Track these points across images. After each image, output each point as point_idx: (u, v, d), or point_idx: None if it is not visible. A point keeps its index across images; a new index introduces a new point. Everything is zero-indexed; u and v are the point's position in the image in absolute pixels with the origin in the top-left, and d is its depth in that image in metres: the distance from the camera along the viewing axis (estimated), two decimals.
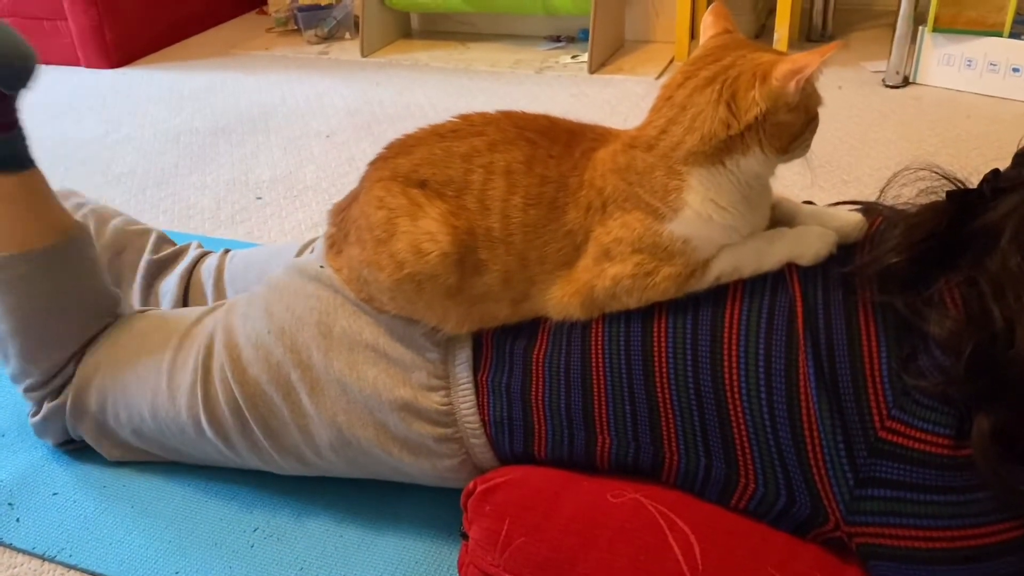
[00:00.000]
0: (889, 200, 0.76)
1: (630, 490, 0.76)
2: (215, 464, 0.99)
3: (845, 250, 0.74)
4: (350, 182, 0.88)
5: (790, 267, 0.75)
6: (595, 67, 2.47)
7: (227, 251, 1.23)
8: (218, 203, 1.79)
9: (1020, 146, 0.73)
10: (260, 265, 1.15)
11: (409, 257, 0.76)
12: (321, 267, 0.87)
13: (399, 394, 0.83)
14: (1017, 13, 2.02)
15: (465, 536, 0.81)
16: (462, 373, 0.82)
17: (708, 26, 0.77)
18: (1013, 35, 2.04)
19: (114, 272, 1.19)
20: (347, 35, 2.95)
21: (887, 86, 2.22)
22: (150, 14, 2.85)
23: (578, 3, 2.46)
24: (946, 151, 1.83)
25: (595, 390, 0.78)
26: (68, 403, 1.00)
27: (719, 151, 0.70)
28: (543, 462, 0.82)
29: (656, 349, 0.75)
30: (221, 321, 0.93)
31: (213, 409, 0.91)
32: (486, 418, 0.82)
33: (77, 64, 2.77)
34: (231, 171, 1.94)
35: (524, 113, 0.81)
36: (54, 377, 1.01)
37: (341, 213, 0.87)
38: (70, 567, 0.92)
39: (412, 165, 0.79)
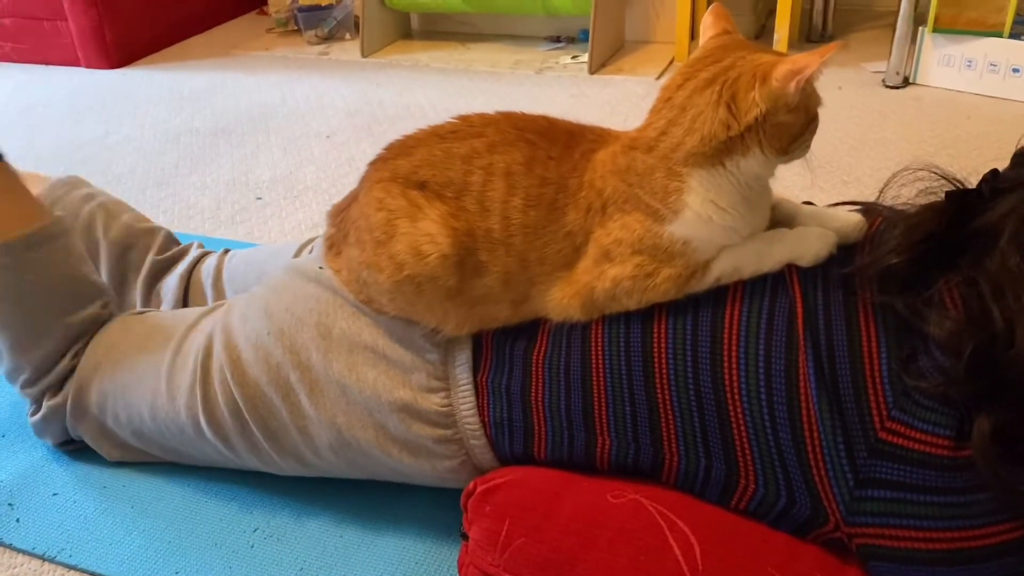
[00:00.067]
0: (888, 200, 0.76)
1: (630, 491, 0.76)
2: (215, 465, 0.99)
3: (845, 251, 0.74)
4: (350, 182, 0.88)
5: (790, 268, 0.75)
6: (595, 67, 2.47)
7: (226, 251, 1.23)
8: (218, 203, 1.79)
9: (1019, 146, 0.73)
10: (259, 265, 1.15)
11: (409, 259, 0.76)
12: (320, 268, 0.87)
13: (399, 395, 0.83)
14: (1017, 14, 2.02)
15: (465, 536, 0.81)
16: (462, 374, 0.82)
17: (708, 27, 0.77)
18: (1013, 35, 2.03)
19: (120, 270, 1.19)
20: (347, 35, 2.95)
21: (887, 87, 2.22)
22: (150, 14, 2.85)
23: (578, 3, 2.46)
24: (946, 151, 1.83)
25: (595, 391, 0.78)
26: (68, 403, 1.00)
27: (719, 152, 0.70)
28: (543, 463, 0.82)
29: (656, 350, 0.76)
30: (220, 322, 0.93)
31: (212, 410, 0.91)
32: (486, 419, 0.82)
33: (77, 64, 2.77)
34: (231, 171, 1.94)
35: (523, 114, 0.81)
36: (48, 372, 1.00)
37: (340, 214, 0.87)
38: (70, 567, 0.92)
39: (412, 166, 0.79)
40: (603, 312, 0.78)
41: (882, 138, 1.92)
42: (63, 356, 1.01)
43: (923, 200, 0.73)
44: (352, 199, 0.86)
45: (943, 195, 0.71)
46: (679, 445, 0.76)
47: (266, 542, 0.93)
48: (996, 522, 0.63)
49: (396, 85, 2.46)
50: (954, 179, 0.74)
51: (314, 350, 0.85)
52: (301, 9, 2.93)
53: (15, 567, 0.93)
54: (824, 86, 0.69)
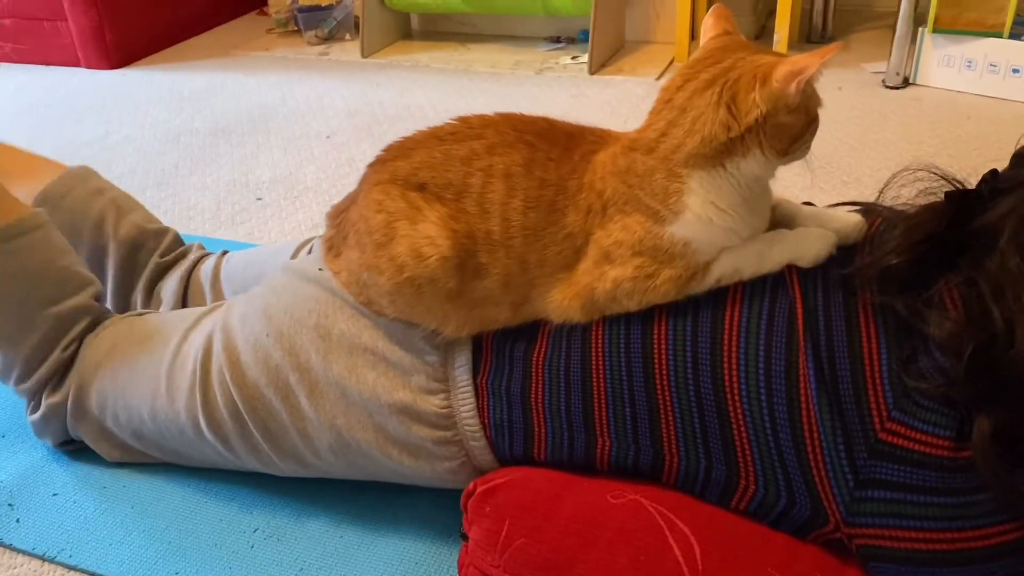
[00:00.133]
0: (888, 201, 0.76)
1: (630, 491, 0.76)
2: (215, 466, 0.99)
3: (845, 251, 0.74)
4: (350, 183, 0.88)
5: (790, 269, 0.75)
6: (595, 68, 2.48)
7: (225, 252, 1.23)
8: (218, 204, 1.79)
9: (1019, 147, 0.73)
10: (257, 266, 1.15)
11: (409, 261, 0.76)
12: (320, 270, 0.87)
13: (398, 397, 0.83)
14: (1017, 14, 2.02)
15: (465, 537, 0.81)
16: (461, 376, 0.82)
17: (708, 28, 0.77)
18: (1013, 36, 2.03)
19: (127, 269, 1.19)
20: (347, 36, 2.95)
21: (887, 87, 2.22)
22: (150, 15, 2.85)
23: (578, 4, 2.47)
24: (946, 152, 1.83)
25: (595, 392, 0.78)
26: (68, 403, 1.00)
27: (719, 153, 0.70)
28: (543, 464, 0.82)
29: (656, 351, 0.76)
30: (220, 323, 0.93)
31: (212, 412, 0.91)
32: (486, 421, 0.82)
33: (77, 65, 2.77)
34: (231, 172, 1.94)
35: (523, 115, 0.81)
36: (39, 365, 1.00)
37: (340, 215, 0.87)
38: (70, 568, 0.92)
39: (411, 168, 0.79)
40: (603, 313, 0.78)
41: (882, 139, 1.92)
42: (53, 348, 1.00)
43: (923, 200, 0.73)
44: (351, 200, 0.86)
45: (943, 195, 0.71)
46: (679, 446, 0.76)
47: (266, 542, 0.93)
48: (996, 523, 0.63)
49: (396, 85, 2.46)
50: (954, 179, 0.74)
51: (313, 352, 0.85)
52: (301, 9, 2.93)
53: (15, 567, 0.93)
54: (824, 87, 0.69)
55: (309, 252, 1.10)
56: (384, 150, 0.84)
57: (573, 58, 2.61)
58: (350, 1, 2.93)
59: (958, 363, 0.63)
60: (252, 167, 1.96)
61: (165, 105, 2.40)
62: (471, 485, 0.82)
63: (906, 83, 2.21)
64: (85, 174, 1.21)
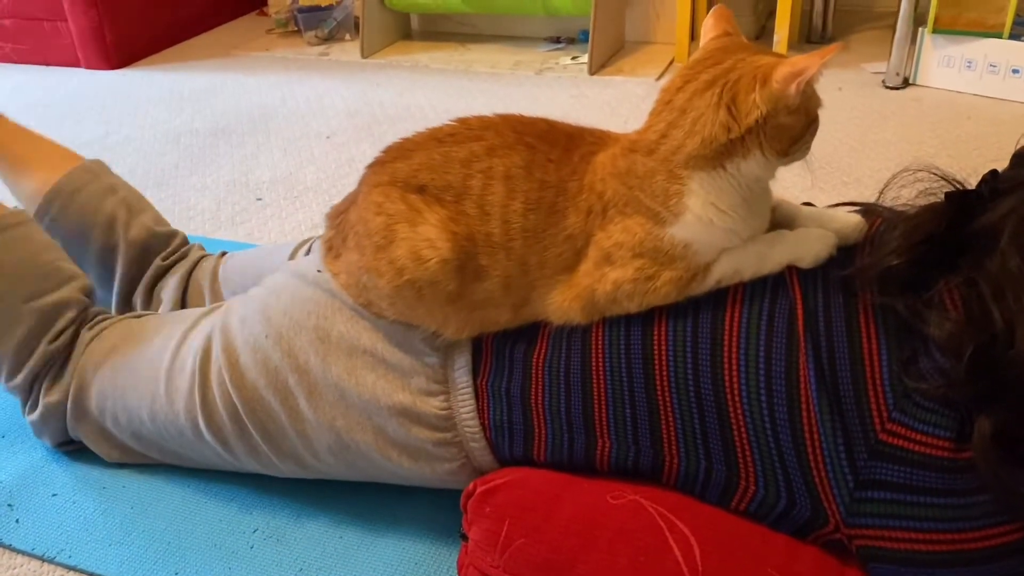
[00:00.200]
0: (888, 201, 0.76)
1: (630, 492, 0.76)
2: (215, 467, 0.99)
3: (845, 252, 0.74)
4: (350, 183, 0.88)
5: (790, 270, 0.75)
6: (595, 68, 2.48)
7: (224, 253, 1.23)
8: (218, 204, 1.79)
9: (1019, 147, 0.73)
10: (256, 266, 1.15)
11: (409, 264, 0.76)
12: (319, 271, 0.87)
13: (398, 399, 0.83)
14: (1017, 14, 2.02)
15: (465, 537, 0.81)
16: (461, 377, 0.82)
17: (709, 28, 0.77)
18: (1013, 36, 2.04)
19: (133, 271, 1.19)
20: (347, 36, 2.95)
21: (887, 87, 2.22)
22: (150, 15, 2.85)
23: (578, 4, 2.47)
24: (946, 152, 1.83)
25: (595, 393, 0.78)
26: (68, 404, 1.00)
27: (720, 155, 0.70)
28: (543, 465, 0.82)
29: (656, 352, 0.75)
30: (219, 324, 0.93)
31: (211, 413, 0.91)
32: (486, 422, 0.82)
33: (77, 65, 2.77)
34: (231, 172, 1.94)
35: (523, 117, 0.81)
36: (27, 359, 1.00)
37: (339, 217, 0.87)
38: (70, 568, 0.92)
39: (411, 170, 0.79)
40: (604, 315, 0.78)
41: (882, 139, 1.92)
42: (39, 341, 1.00)
43: (923, 201, 0.73)
44: (350, 202, 0.85)
45: (943, 196, 0.71)
46: (679, 447, 0.76)
47: (266, 543, 0.93)
48: (996, 524, 0.63)
49: (396, 86, 2.46)
50: (954, 180, 0.74)
51: (312, 353, 0.85)
52: (301, 10, 2.93)
53: (15, 568, 0.93)
54: (824, 87, 0.69)
55: (307, 253, 1.10)
56: (383, 152, 0.83)
57: (573, 58, 2.61)
58: (350, 1, 2.93)
59: (958, 364, 0.63)
60: (252, 167, 1.96)
61: (165, 105, 2.40)
62: (471, 485, 0.82)
63: (906, 83, 2.21)
64: (98, 169, 1.22)
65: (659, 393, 0.75)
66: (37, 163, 1.20)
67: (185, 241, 1.25)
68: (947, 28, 2.11)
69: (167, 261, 1.20)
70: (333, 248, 0.86)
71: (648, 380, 0.75)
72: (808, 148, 0.73)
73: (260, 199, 1.80)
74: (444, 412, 0.83)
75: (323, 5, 2.92)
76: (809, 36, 2.62)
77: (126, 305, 1.19)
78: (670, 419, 0.75)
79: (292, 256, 1.12)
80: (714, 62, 0.72)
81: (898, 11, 2.13)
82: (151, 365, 0.96)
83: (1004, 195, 0.67)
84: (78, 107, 2.42)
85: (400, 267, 0.76)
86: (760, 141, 0.69)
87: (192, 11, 3.04)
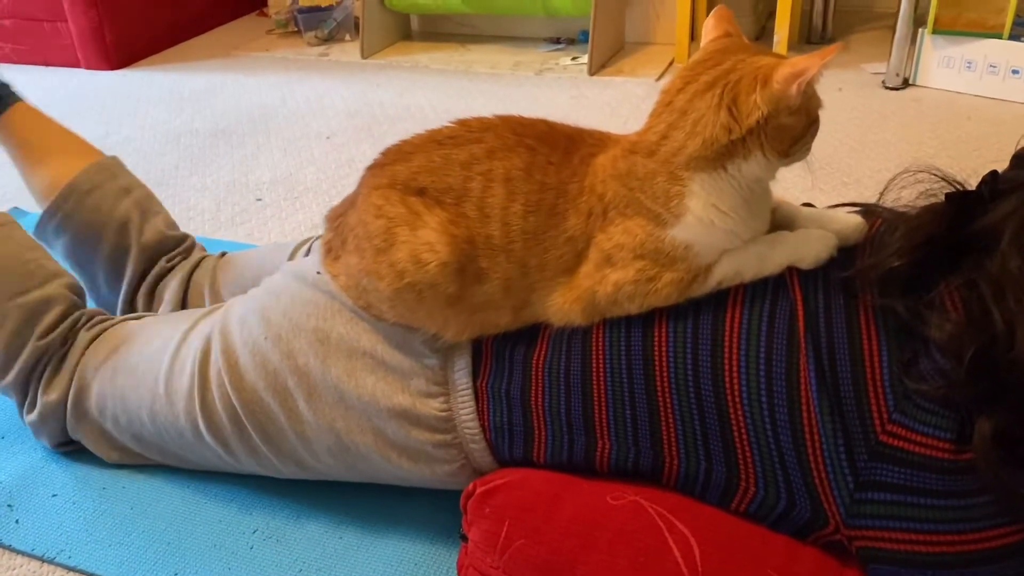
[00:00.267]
0: (889, 202, 0.76)
1: (630, 492, 0.76)
2: (216, 469, 0.99)
3: (845, 253, 0.74)
4: (350, 184, 0.88)
5: (791, 271, 0.75)
6: (595, 69, 2.48)
7: (223, 253, 1.23)
8: (218, 204, 1.79)
9: (1019, 148, 0.73)
10: (255, 267, 1.15)
11: (409, 267, 0.76)
12: (318, 273, 0.87)
13: (397, 401, 0.83)
14: (1017, 15, 2.02)
15: (464, 538, 0.81)
16: (461, 379, 0.82)
17: (710, 29, 0.77)
18: (1013, 37, 2.04)
19: (143, 273, 1.19)
20: (347, 37, 2.95)
21: (887, 88, 2.22)
22: (150, 15, 2.85)
23: (578, 4, 2.47)
24: (946, 153, 1.83)
25: (595, 395, 0.78)
26: (68, 405, 1.00)
27: (721, 156, 0.70)
28: (542, 466, 0.82)
29: (657, 353, 0.75)
30: (218, 325, 0.93)
31: (210, 415, 0.91)
32: (486, 424, 0.82)
33: (77, 66, 2.77)
34: (231, 172, 1.94)
35: (522, 118, 0.80)
36: (18, 354, 1.00)
37: (338, 219, 0.86)
38: (69, 569, 0.92)
39: (410, 172, 0.79)
40: (604, 316, 0.78)
41: (882, 139, 1.92)
42: (27, 337, 1.01)
43: (923, 202, 0.73)
44: (349, 204, 0.85)
45: (943, 197, 0.71)
46: (679, 448, 0.76)
47: (265, 543, 0.93)
48: (997, 525, 0.63)
49: (396, 86, 2.46)
50: (954, 181, 0.74)
51: (312, 355, 0.85)
52: (301, 10, 2.93)
53: (14, 568, 0.93)
54: (824, 88, 0.69)
55: (307, 253, 1.10)
56: (382, 154, 0.83)
57: (573, 59, 2.61)
58: (350, 2, 2.93)
59: (959, 365, 0.63)
60: (252, 168, 1.96)
61: (165, 106, 2.40)
62: (471, 486, 0.81)
63: (906, 84, 2.21)
64: (115, 168, 1.22)
65: (659, 394, 0.75)
66: (54, 156, 1.20)
67: (193, 244, 1.25)
68: (947, 29, 2.11)
69: (171, 263, 1.20)
70: (332, 250, 0.86)
71: (648, 381, 0.75)
72: (809, 149, 0.73)
73: (260, 199, 1.80)
74: (444, 414, 0.83)
75: (323, 5, 2.92)
76: (809, 36, 2.62)
77: (130, 305, 1.19)
78: (670, 420, 0.75)
79: (292, 256, 1.12)
80: (714, 63, 0.72)
81: (898, 11, 2.13)
82: (151, 366, 0.96)
83: (1004, 196, 0.67)
84: (78, 107, 2.42)
85: (400, 270, 0.76)
86: (761, 142, 0.69)
87: (192, 11, 3.04)
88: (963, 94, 2.13)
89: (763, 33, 2.68)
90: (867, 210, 0.79)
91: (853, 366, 0.68)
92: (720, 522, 0.74)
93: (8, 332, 1.00)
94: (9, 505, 1.00)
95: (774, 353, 0.71)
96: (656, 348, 0.75)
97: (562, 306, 0.78)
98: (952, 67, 2.14)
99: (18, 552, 0.94)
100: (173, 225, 1.25)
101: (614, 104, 2.23)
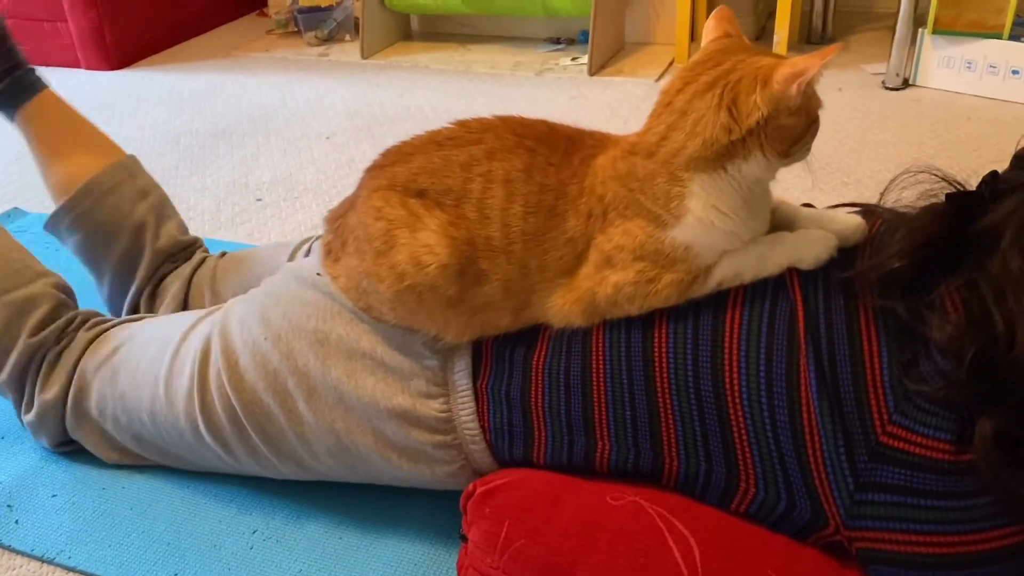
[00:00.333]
0: (889, 203, 0.76)
1: (630, 493, 0.76)
2: (215, 470, 0.99)
3: (845, 253, 0.74)
4: (350, 184, 0.88)
5: (791, 272, 0.75)
6: (595, 69, 2.48)
7: (223, 253, 1.23)
8: (218, 205, 1.79)
9: (1019, 148, 0.73)
10: (255, 267, 1.15)
11: (409, 269, 0.76)
12: (318, 275, 0.87)
13: (397, 402, 0.83)
14: (1017, 15, 2.02)
15: (464, 538, 0.81)
16: (461, 380, 0.82)
17: (710, 29, 0.77)
18: (1013, 37, 2.04)
19: (153, 277, 1.19)
20: (347, 37, 2.95)
21: (887, 88, 2.22)
22: (150, 16, 2.85)
23: (578, 5, 2.47)
24: (946, 153, 1.83)
25: (595, 396, 0.78)
26: (68, 405, 1.00)
27: (721, 156, 0.70)
28: (542, 467, 0.82)
29: (657, 354, 0.75)
30: (217, 326, 0.93)
31: (211, 416, 0.91)
32: (486, 425, 0.82)
33: (77, 66, 2.77)
34: (231, 173, 1.94)
35: (522, 119, 0.80)
36: (9, 354, 1.00)
37: (338, 220, 0.86)
38: (69, 569, 0.92)
39: (410, 174, 0.79)
40: (604, 317, 0.78)
41: (882, 140, 1.92)
42: (17, 335, 1.01)
43: (923, 202, 0.73)
44: (349, 205, 0.85)
45: (943, 197, 0.70)
46: (679, 449, 0.76)
47: (265, 544, 0.93)
48: (997, 526, 0.63)
49: (396, 86, 2.46)
50: (954, 181, 0.74)
51: (312, 356, 0.85)
52: (301, 11, 2.93)
53: (14, 568, 0.93)
54: (824, 88, 0.68)
55: (307, 253, 1.10)
56: (381, 155, 0.83)
57: (573, 59, 2.61)
58: (350, 2, 2.93)
59: (959, 366, 0.63)
60: (252, 168, 1.96)
61: (165, 106, 2.40)
62: (471, 486, 0.81)
63: (906, 84, 2.21)
64: (133, 168, 1.22)
65: (659, 395, 0.75)
66: (74, 150, 1.20)
67: (200, 246, 1.25)
68: (947, 29, 2.11)
69: (174, 263, 1.20)
70: (332, 252, 0.86)
71: (648, 382, 0.75)
72: (809, 149, 0.73)
73: (260, 200, 1.80)
74: (444, 415, 0.82)
75: (323, 6, 2.92)
76: (809, 37, 2.62)
77: (135, 307, 1.20)
78: (670, 421, 0.75)
79: (292, 257, 1.12)
80: (714, 63, 0.71)
81: (898, 12, 2.13)
82: (151, 367, 0.96)
83: (1005, 196, 0.67)
84: (78, 108, 2.41)
85: (400, 272, 0.76)
86: (761, 142, 0.69)
87: (192, 11, 3.04)
88: (963, 94, 2.13)
89: (763, 33, 2.68)
90: (867, 210, 0.79)
91: (853, 367, 0.68)
92: (720, 523, 0.74)
93: None
94: (9, 505, 1.00)
95: (774, 354, 0.71)
96: (656, 349, 0.75)
97: (562, 307, 0.78)
98: (952, 67, 2.14)
99: (18, 552, 0.94)
100: (185, 230, 1.25)
101: (614, 104, 2.23)
